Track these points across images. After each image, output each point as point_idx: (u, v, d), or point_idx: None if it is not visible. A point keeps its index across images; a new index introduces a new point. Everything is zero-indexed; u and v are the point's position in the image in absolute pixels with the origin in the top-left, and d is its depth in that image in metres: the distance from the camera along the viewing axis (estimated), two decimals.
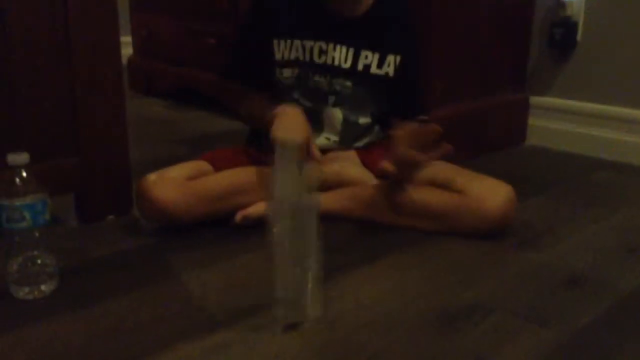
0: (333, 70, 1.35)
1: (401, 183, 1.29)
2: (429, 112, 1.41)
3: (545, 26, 1.93)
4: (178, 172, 1.29)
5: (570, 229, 1.35)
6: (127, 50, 2.72)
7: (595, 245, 1.26)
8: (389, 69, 1.37)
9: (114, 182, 1.37)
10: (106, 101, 1.32)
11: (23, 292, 1.01)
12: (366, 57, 1.35)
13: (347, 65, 1.35)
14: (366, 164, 1.41)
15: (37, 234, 1.01)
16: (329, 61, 1.35)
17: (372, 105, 1.41)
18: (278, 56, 1.35)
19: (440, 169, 1.30)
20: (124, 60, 2.30)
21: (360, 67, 1.36)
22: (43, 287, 1.02)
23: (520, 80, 1.99)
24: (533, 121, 2.00)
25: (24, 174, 0.98)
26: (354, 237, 1.29)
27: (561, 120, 1.95)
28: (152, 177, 1.26)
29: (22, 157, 0.97)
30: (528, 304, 1.03)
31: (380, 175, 1.38)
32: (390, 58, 1.36)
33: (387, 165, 1.23)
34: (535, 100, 2.00)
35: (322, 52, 1.34)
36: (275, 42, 1.34)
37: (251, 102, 1.40)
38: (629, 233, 1.33)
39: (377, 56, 1.36)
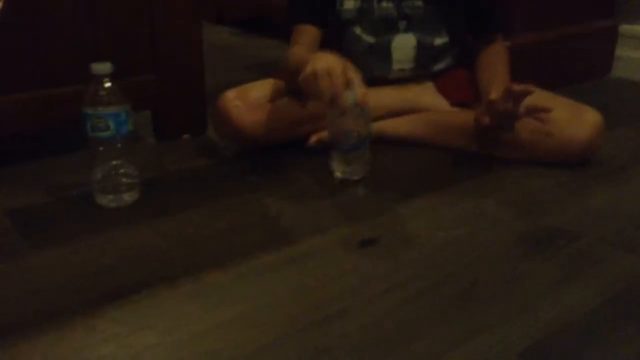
0: None
1: (495, 133, 1.22)
2: (509, 31, 1.34)
3: None
4: (258, 91, 1.26)
5: None
6: None
7: None
8: None
9: (189, 102, 1.38)
10: (182, 21, 1.31)
11: (107, 200, 1.04)
12: None
13: None
14: (443, 92, 1.37)
15: (119, 145, 1.03)
16: None
17: (447, 24, 1.33)
18: None
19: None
20: None
21: None
22: (126, 197, 1.05)
23: (609, 6, 1.86)
24: (621, 51, 1.88)
25: (107, 84, 0.99)
26: (428, 162, 1.27)
27: None
28: (231, 95, 1.23)
29: (105, 67, 0.98)
30: (614, 230, 0.98)
31: (456, 104, 1.34)
32: None
33: (483, 118, 1.17)
34: (624, 28, 1.87)
35: None
36: None
37: (294, 52, 1.27)
38: None
39: None
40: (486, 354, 0.70)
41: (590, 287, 0.83)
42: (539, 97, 1.22)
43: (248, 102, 1.23)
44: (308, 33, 1.29)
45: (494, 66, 1.31)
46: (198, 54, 1.36)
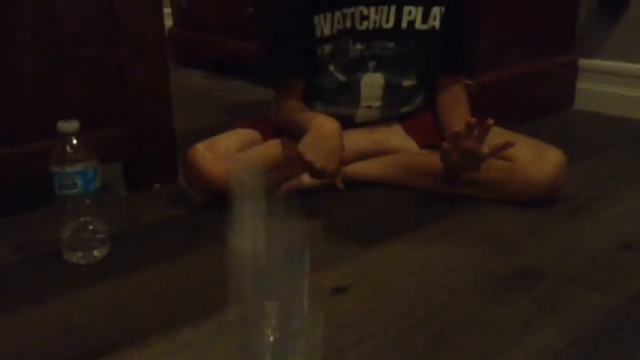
0: (374, 35, 1.31)
1: (462, 173, 1.25)
2: (472, 73, 1.37)
3: None
4: (227, 143, 1.27)
5: (623, 193, 1.31)
6: (167, 22, 2.73)
7: None
8: (435, 22, 1.31)
9: (160, 151, 1.38)
10: (152, 69, 1.33)
11: (77, 257, 1.03)
12: (410, 13, 1.30)
13: (390, 25, 1.30)
14: (411, 134, 1.39)
15: (88, 201, 1.03)
16: (371, 26, 1.31)
17: (417, 65, 1.36)
18: (318, 33, 1.30)
19: (490, 135, 1.27)
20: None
21: (404, 25, 1.31)
22: (96, 253, 1.04)
23: (569, 42, 1.92)
24: (582, 85, 1.94)
25: (75, 142, 0.99)
26: (398, 204, 1.28)
27: (611, 84, 1.88)
28: (201, 147, 1.24)
29: (72, 125, 0.99)
30: (581, 269, 1.00)
31: (425, 146, 1.36)
32: (436, 10, 1.31)
33: (450, 154, 1.19)
34: (584, 63, 1.93)
35: (363, 18, 1.30)
36: (316, 18, 1.29)
37: (287, 108, 1.33)
38: None
39: (421, 10, 1.30)
40: None
41: (556, 328, 0.84)
42: (502, 136, 1.26)
43: (218, 153, 1.23)
44: (296, 91, 1.34)
45: (456, 108, 1.34)
46: (167, 101, 1.37)
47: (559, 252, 1.06)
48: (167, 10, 2.75)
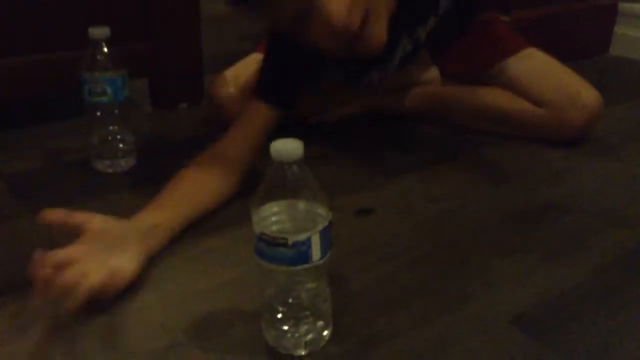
0: (402, 60, 1.21)
1: None
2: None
3: None
4: (249, 72, 1.20)
5: None
6: None
7: None
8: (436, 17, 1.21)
9: (187, 71, 1.37)
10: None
11: (104, 165, 1.04)
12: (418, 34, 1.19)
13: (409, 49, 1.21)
14: (436, 61, 1.36)
15: (116, 111, 1.03)
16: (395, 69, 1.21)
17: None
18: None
19: (522, 73, 1.23)
20: None
21: (422, 38, 1.21)
22: (122, 162, 1.05)
23: None
24: (620, 29, 1.88)
25: (105, 49, 0.98)
26: (426, 138, 1.27)
27: None
28: (226, 78, 1.20)
29: (102, 31, 0.98)
30: (608, 206, 0.99)
31: (449, 75, 1.34)
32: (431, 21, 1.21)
33: None
34: (624, 6, 1.86)
35: (384, 77, 1.23)
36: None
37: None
38: None
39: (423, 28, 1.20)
40: (478, 320, 0.71)
41: (580, 260, 0.84)
42: (542, 62, 1.23)
43: (240, 87, 1.19)
44: (262, 117, 1.02)
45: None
46: (195, 22, 1.36)
47: (585, 190, 1.05)
48: None
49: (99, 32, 0.97)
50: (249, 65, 1.25)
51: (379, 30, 0.93)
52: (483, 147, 1.21)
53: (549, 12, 1.71)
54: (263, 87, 1.05)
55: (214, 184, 0.92)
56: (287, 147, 0.58)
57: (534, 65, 1.25)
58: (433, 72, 1.38)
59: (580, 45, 1.83)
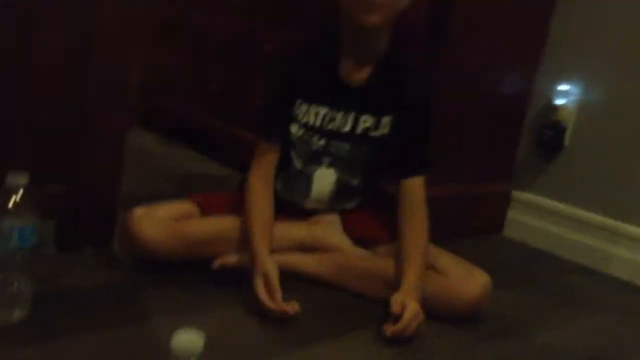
0: (334, 134, 1.40)
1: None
2: (431, 171, 1.44)
3: (536, 126, 2.01)
4: (165, 211, 1.31)
5: (538, 326, 1.38)
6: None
7: (560, 347, 1.29)
8: (385, 130, 1.40)
9: (98, 214, 1.36)
10: (107, 132, 1.33)
11: None
12: (365, 120, 1.40)
13: (347, 128, 1.39)
14: (347, 228, 1.45)
15: (18, 256, 1.00)
16: (334, 127, 1.39)
17: (366, 167, 1.44)
18: (295, 113, 1.39)
19: (421, 252, 1.34)
20: None
21: (359, 130, 1.40)
22: (15, 314, 1.00)
23: (506, 173, 2.05)
24: (512, 214, 2.06)
25: (20, 195, 0.98)
26: (329, 304, 1.30)
27: (539, 218, 2.00)
28: (139, 212, 1.28)
29: (20, 179, 0.98)
30: None
31: (359, 242, 1.42)
32: (386, 119, 1.40)
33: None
34: (517, 194, 2.06)
35: (331, 119, 1.39)
36: (298, 101, 1.38)
37: (253, 196, 1.37)
38: (592, 339, 1.36)
39: (374, 119, 1.39)
40: None
41: None
42: (434, 252, 1.34)
43: (154, 219, 1.28)
44: (270, 158, 1.39)
45: (413, 218, 1.38)
46: (116, 168, 1.37)
47: None
48: None
49: (17, 179, 0.97)
50: (171, 206, 1.33)
51: None
52: (379, 321, 1.24)
53: (451, 191, 1.85)
54: (263, 131, 1.40)
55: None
56: (188, 343, 0.59)
57: (432, 246, 1.37)
58: (344, 240, 1.45)
59: (477, 225, 1.98)
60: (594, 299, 1.65)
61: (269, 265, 1.22)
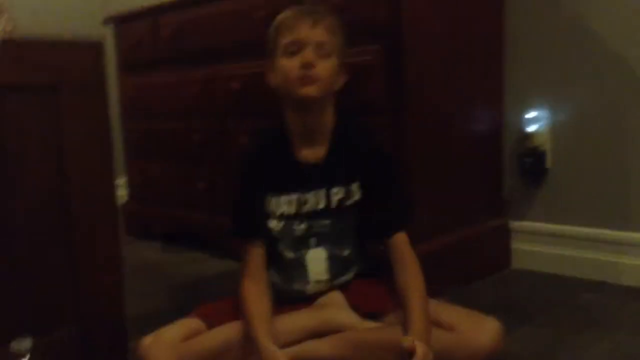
0: (313, 215, 1.43)
1: None
2: (411, 221, 1.47)
3: (515, 156, 2.05)
4: (172, 334, 1.33)
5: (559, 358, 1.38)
6: (123, 192, 2.86)
7: None
8: (356, 196, 1.44)
9: (110, 352, 1.38)
10: (105, 278, 1.36)
11: None
12: (336, 193, 1.43)
13: (322, 205, 1.43)
14: (353, 305, 1.46)
15: None
16: (310, 208, 1.43)
17: (352, 234, 1.47)
18: (268, 209, 1.43)
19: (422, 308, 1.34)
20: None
21: (334, 204, 1.43)
22: None
23: (497, 208, 2.08)
24: (516, 245, 2.08)
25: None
26: None
27: (543, 244, 2.02)
28: (147, 340, 1.31)
29: (25, 344, 1.02)
30: None
31: (366, 315, 1.43)
32: (354, 186, 1.44)
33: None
34: (516, 225, 2.08)
35: (303, 202, 1.43)
36: (268, 197, 1.43)
37: (245, 295, 1.39)
38: None
39: (345, 189, 1.43)
40: None
41: None
42: (437, 308, 1.34)
43: (162, 343, 1.30)
44: (256, 255, 1.41)
45: (405, 271, 1.39)
46: (120, 304, 1.39)
47: None
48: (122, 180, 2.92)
49: (20, 345, 1.01)
50: (176, 327, 1.34)
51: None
52: None
53: (445, 241, 1.87)
54: (242, 234, 1.43)
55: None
56: None
57: (435, 302, 1.38)
58: (352, 316, 1.46)
59: (482, 265, 1.99)
60: (609, 316, 1.65)
61: (276, 354, 1.25)
